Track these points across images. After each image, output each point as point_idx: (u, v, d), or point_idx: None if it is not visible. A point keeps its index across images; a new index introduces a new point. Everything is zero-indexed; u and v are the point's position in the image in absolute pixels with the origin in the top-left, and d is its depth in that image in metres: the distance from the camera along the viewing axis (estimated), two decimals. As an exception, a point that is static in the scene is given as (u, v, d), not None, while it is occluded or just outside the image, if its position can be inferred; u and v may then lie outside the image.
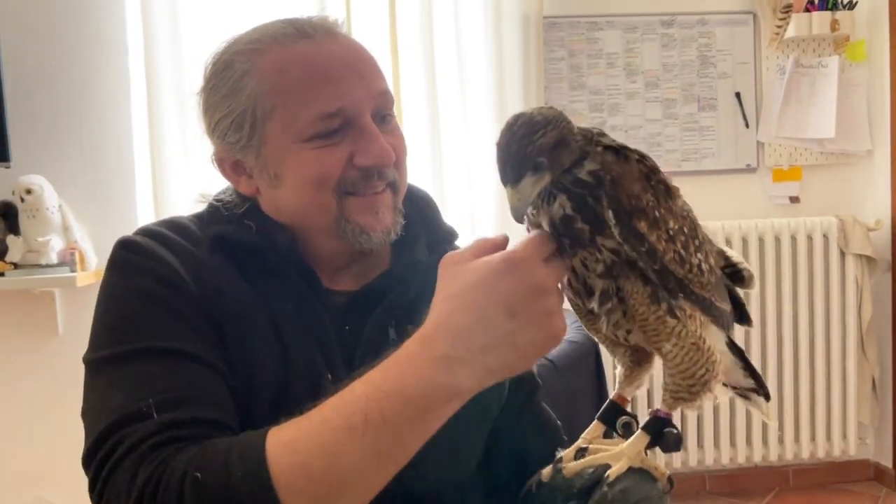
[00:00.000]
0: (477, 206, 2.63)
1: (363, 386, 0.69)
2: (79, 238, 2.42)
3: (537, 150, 0.67)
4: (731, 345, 0.82)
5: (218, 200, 0.92)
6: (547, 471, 0.81)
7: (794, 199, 2.86)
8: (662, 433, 0.77)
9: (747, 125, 2.81)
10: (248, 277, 0.86)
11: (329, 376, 0.83)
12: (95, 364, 0.80)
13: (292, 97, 0.84)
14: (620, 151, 0.71)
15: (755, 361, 2.71)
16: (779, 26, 2.76)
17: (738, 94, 2.81)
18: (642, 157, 0.72)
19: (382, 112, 0.88)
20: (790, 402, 2.78)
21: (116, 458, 0.72)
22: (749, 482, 2.86)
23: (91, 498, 0.75)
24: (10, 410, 2.49)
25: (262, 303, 0.84)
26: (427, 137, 2.60)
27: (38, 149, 2.46)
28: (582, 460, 0.78)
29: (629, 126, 2.77)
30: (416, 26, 2.58)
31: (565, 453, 0.80)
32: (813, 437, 2.81)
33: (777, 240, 2.74)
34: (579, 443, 0.80)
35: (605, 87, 2.76)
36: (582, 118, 2.74)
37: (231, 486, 0.68)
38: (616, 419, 0.81)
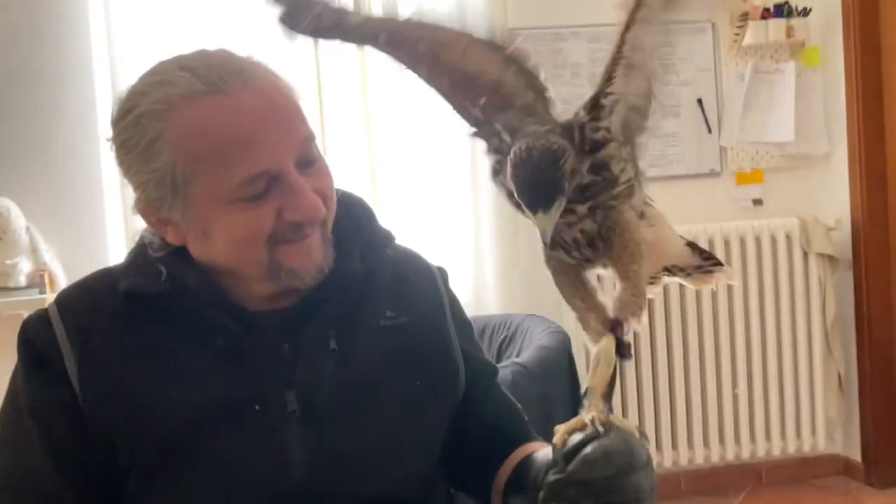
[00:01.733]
0: (450, 219, 2.66)
1: None
2: (48, 260, 2.41)
3: (564, 177, 0.74)
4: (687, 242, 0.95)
5: (143, 238, 0.92)
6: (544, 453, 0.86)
7: (758, 202, 2.92)
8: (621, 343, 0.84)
9: (710, 130, 2.88)
10: (160, 326, 0.87)
11: (257, 407, 0.85)
12: None
13: (213, 163, 0.81)
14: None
15: (726, 361, 2.78)
16: (736, 34, 2.83)
17: (699, 101, 2.87)
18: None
19: (307, 158, 0.86)
20: (760, 401, 2.84)
21: None
22: (723, 480, 2.91)
23: None
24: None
25: (172, 350, 0.86)
26: (394, 145, 2.63)
27: (5, 171, 2.44)
28: (563, 426, 0.82)
29: (595, 134, 2.82)
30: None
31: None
32: (783, 434, 2.87)
33: (742, 241, 2.80)
34: (572, 423, 0.83)
35: (571, 97, 2.73)
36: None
37: None
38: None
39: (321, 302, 0.90)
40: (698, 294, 2.76)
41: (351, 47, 0.87)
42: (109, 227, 2.46)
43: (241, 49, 0.87)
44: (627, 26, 0.83)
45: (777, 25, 2.80)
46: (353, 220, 0.96)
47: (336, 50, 2.62)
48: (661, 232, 0.90)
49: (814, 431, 2.87)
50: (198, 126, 0.81)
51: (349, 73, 2.66)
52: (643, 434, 0.82)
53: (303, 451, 0.86)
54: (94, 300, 0.90)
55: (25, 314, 2.45)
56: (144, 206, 0.87)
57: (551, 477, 0.77)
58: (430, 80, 0.87)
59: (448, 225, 2.67)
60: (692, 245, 0.95)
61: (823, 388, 2.86)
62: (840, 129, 2.88)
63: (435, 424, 0.95)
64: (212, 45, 0.88)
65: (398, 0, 2.61)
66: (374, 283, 0.95)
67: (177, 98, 0.81)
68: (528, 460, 0.92)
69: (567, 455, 0.77)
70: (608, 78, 0.82)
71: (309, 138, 0.86)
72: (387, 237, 1.00)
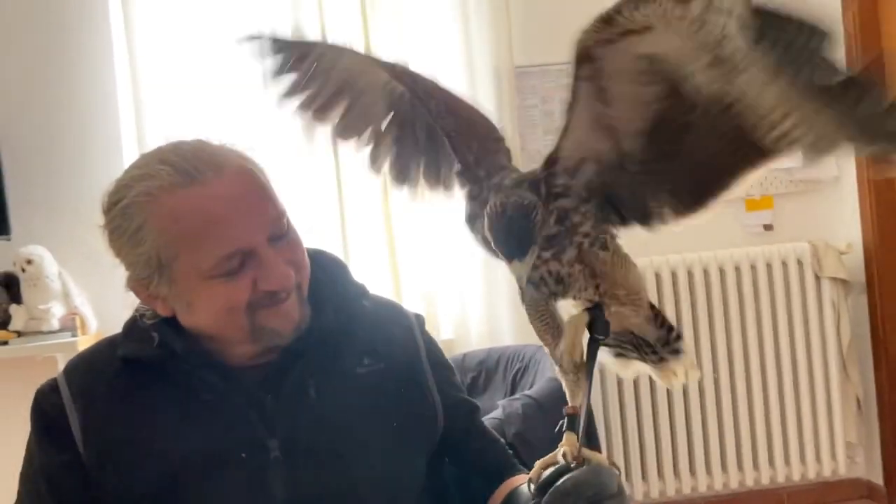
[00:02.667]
0: (462, 254, 2.73)
1: None
2: (79, 303, 2.52)
3: (535, 228, 0.81)
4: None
5: (144, 306, 1.01)
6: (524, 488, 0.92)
7: (768, 227, 2.95)
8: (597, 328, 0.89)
9: (717, 159, 2.91)
10: (154, 388, 0.97)
11: (243, 454, 0.94)
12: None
13: (191, 245, 0.91)
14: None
15: (741, 387, 2.79)
16: (740, 64, 2.88)
17: (706, 130, 2.91)
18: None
19: (279, 233, 0.95)
20: (777, 425, 2.84)
21: None
22: (744, 507, 2.91)
23: None
24: (16, 471, 2.55)
25: (165, 409, 0.96)
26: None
27: (37, 219, 2.56)
28: (540, 461, 0.89)
29: (603, 166, 2.87)
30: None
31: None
32: (803, 459, 2.86)
33: (753, 267, 2.83)
34: (547, 458, 0.89)
35: (579, 131, 2.86)
36: (557, 161, 2.84)
37: None
38: (575, 428, 0.90)
39: (299, 355, 0.99)
40: (712, 321, 2.79)
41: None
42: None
43: (215, 137, 0.97)
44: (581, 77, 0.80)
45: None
46: (327, 276, 1.05)
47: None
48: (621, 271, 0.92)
49: (834, 455, 2.86)
50: (176, 214, 0.90)
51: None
52: (614, 465, 0.88)
53: (285, 494, 0.95)
54: (95, 367, 1.01)
55: (59, 356, 2.56)
56: (135, 284, 0.96)
57: None
58: (438, 116, 0.95)
59: (460, 257, 2.74)
60: (653, 309, 0.96)
61: (842, 411, 2.86)
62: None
63: (413, 464, 1.03)
64: (230, 98, 0.98)
65: (404, 36, 2.70)
66: (350, 332, 1.03)
67: (157, 190, 0.91)
68: (514, 493, 0.99)
69: (541, 488, 0.84)
70: (562, 134, 0.85)
71: (279, 215, 0.95)
72: (361, 290, 1.09)
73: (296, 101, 1.06)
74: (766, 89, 0.64)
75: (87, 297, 2.56)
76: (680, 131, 0.79)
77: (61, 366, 2.72)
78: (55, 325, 2.46)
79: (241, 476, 0.94)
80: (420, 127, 1.03)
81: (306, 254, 0.99)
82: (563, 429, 0.90)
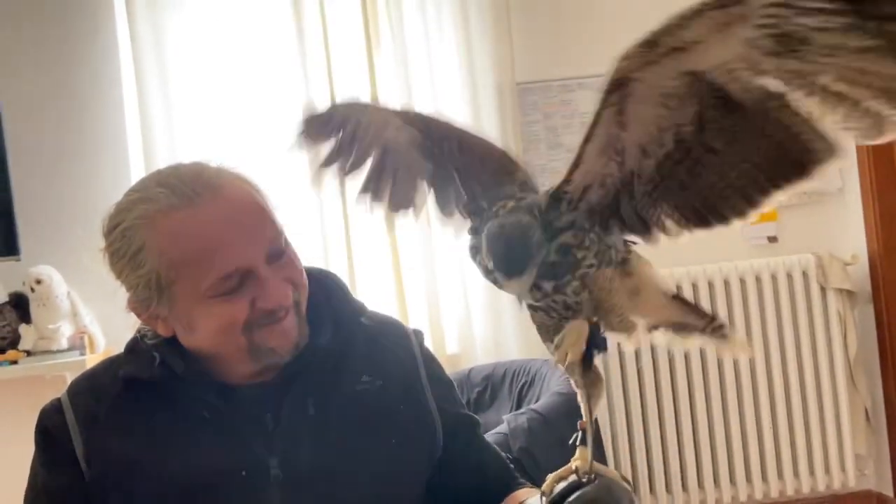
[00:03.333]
0: (466, 268, 2.74)
1: None
2: (87, 322, 2.54)
3: (533, 247, 0.81)
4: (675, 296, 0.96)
5: (145, 326, 1.03)
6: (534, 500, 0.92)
7: (773, 239, 2.96)
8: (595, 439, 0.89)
9: (720, 172, 2.92)
10: (154, 408, 0.98)
11: (244, 473, 0.95)
12: None
13: (189, 268, 0.92)
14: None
15: (748, 400, 2.78)
16: (742, 77, 2.90)
17: (708, 143, 2.93)
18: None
19: (276, 251, 0.97)
20: (785, 438, 2.83)
21: None
22: (754, 519, 2.90)
23: None
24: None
25: (165, 429, 0.97)
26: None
27: (45, 240, 2.59)
28: (552, 474, 0.89)
29: (607, 180, 2.89)
30: (396, 97, 2.73)
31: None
32: (812, 471, 2.85)
33: (758, 279, 2.83)
34: (559, 472, 0.89)
35: (582, 145, 2.88)
36: (560, 175, 2.85)
37: None
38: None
39: (298, 374, 1.00)
40: (717, 333, 2.78)
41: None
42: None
43: (213, 159, 0.99)
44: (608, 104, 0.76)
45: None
46: (325, 294, 1.07)
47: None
48: (642, 281, 0.92)
49: (843, 467, 2.85)
50: (174, 237, 0.92)
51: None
52: (626, 480, 0.89)
53: None
54: (98, 387, 1.02)
55: (68, 375, 2.59)
56: (136, 306, 0.98)
57: None
58: (450, 155, 0.97)
59: (466, 271, 2.75)
60: (683, 300, 0.98)
61: (851, 423, 2.85)
62: (852, 165, 2.91)
63: (412, 480, 1.04)
64: (239, 116, 1.00)
65: (407, 55, 2.73)
66: (349, 350, 1.05)
67: (155, 213, 0.93)
68: None
69: (553, 502, 0.84)
70: (574, 166, 0.84)
71: (277, 234, 0.97)
72: (359, 308, 1.10)
73: (336, 169, 1.05)
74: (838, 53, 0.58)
75: (95, 316, 2.59)
76: (698, 154, 0.77)
77: (70, 384, 2.74)
78: (64, 344, 2.48)
79: (241, 495, 0.95)
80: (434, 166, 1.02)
81: (304, 272, 1.01)
82: (577, 443, 0.90)
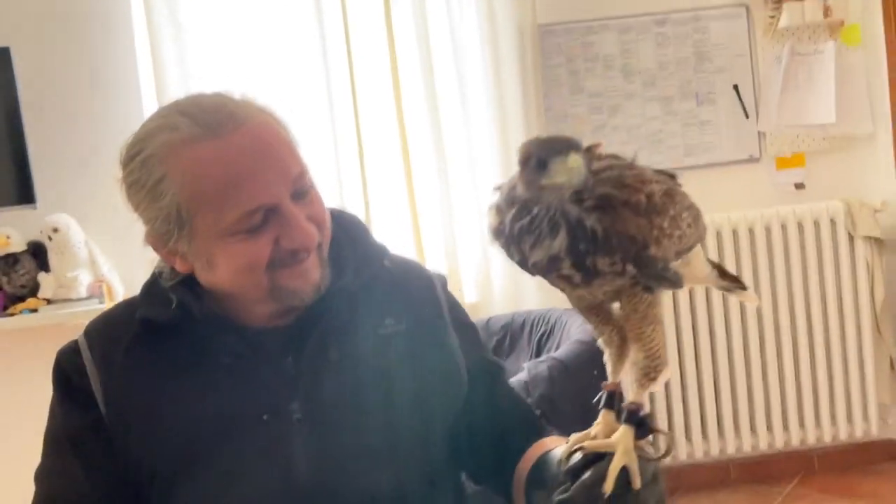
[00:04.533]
0: (485, 216, 2.70)
1: None
2: (105, 271, 2.54)
3: (575, 142, 0.74)
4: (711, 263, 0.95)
5: (162, 265, 1.00)
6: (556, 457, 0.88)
7: (800, 186, 2.88)
8: (641, 423, 0.83)
9: (747, 116, 2.85)
10: (173, 351, 0.96)
11: (265, 417, 0.93)
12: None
13: (213, 202, 0.88)
14: (607, 206, 0.76)
15: (771, 349, 2.75)
16: (772, 16, 2.79)
17: (735, 87, 2.84)
18: (625, 194, 0.77)
19: (301, 190, 0.92)
20: (808, 386, 2.80)
21: None
22: (774, 468, 2.89)
23: None
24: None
25: (183, 372, 0.95)
26: (430, 148, 2.68)
27: (62, 188, 2.58)
28: (574, 436, 0.85)
29: (629, 126, 2.82)
30: (414, 41, 2.66)
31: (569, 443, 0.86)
32: (833, 420, 2.83)
33: (784, 227, 2.77)
34: (579, 436, 0.86)
35: (604, 90, 2.81)
36: (583, 121, 2.80)
37: None
38: (615, 406, 0.86)
39: (320, 316, 0.97)
40: (741, 281, 2.74)
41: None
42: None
43: (235, 90, 0.94)
44: None
45: (814, 5, 2.75)
46: (347, 236, 1.03)
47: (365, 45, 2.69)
48: (691, 259, 0.89)
49: (866, 417, 2.82)
50: (198, 168, 0.88)
51: (381, 75, 2.71)
52: (661, 433, 0.86)
53: (307, 455, 0.93)
54: (115, 329, 1.00)
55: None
56: (154, 240, 0.94)
57: (557, 497, 0.81)
58: None
59: (484, 222, 2.70)
60: (720, 269, 0.96)
61: (875, 372, 2.81)
62: (884, 109, 2.81)
63: (436, 425, 1.01)
64: (253, 61, 0.95)
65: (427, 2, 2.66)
66: (371, 293, 1.01)
67: (178, 142, 0.88)
68: (545, 457, 0.96)
69: (570, 473, 0.81)
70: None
71: (302, 172, 0.93)
72: (381, 250, 1.06)
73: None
74: None
75: (114, 265, 2.58)
76: None
77: (90, 333, 2.76)
78: (83, 292, 2.48)
79: (262, 439, 0.93)
80: None
81: (328, 213, 0.97)
82: (601, 406, 0.87)
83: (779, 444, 2.83)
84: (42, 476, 0.99)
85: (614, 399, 0.86)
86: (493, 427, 1.05)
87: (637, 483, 0.79)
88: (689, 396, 2.78)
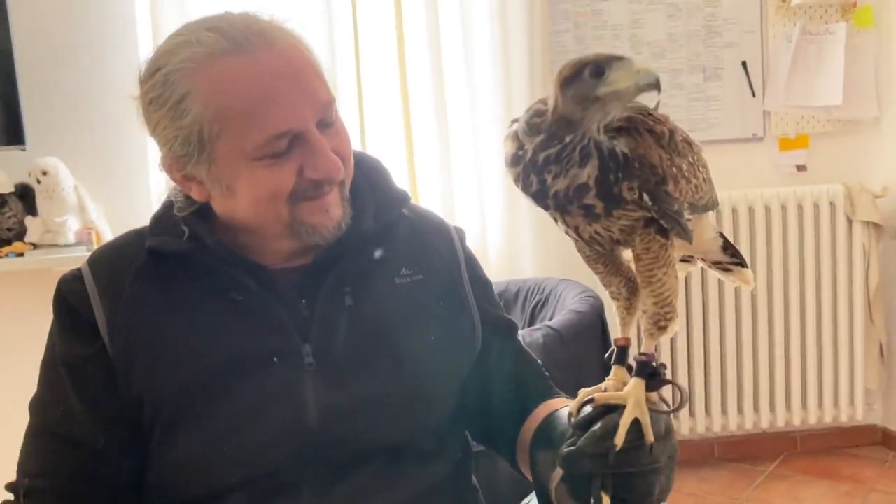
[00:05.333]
0: (484, 184, 2.66)
1: None
2: (95, 218, 2.48)
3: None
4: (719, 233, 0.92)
5: (170, 198, 0.96)
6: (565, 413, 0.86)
7: (801, 168, 2.86)
8: (653, 374, 0.81)
9: (754, 94, 2.81)
10: (182, 283, 0.91)
11: (275, 360, 0.89)
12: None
13: (237, 121, 0.84)
14: (631, 129, 0.74)
15: (763, 329, 2.75)
16: (785, -7, 2.75)
17: (744, 63, 2.80)
18: (649, 122, 0.75)
19: (328, 120, 0.89)
20: (797, 369, 2.81)
21: None
22: (757, 448, 2.91)
23: None
24: (30, 385, 2.56)
25: (195, 305, 0.91)
26: (433, 114, 2.62)
27: (53, 131, 2.51)
28: (584, 390, 0.83)
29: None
30: (422, 6, 2.59)
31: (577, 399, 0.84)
32: (820, 404, 2.84)
33: (783, 208, 2.75)
34: (590, 390, 0.83)
35: (611, 59, 2.75)
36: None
37: None
38: (625, 361, 0.84)
39: (336, 259, 0.93)
40: (737, 261, 2.73)
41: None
42: (153, 185, 2.51)
43: (264, 12, 0.89)
44: None
45: (828, -16, 2.71)
46: (368, 180, 0.99)
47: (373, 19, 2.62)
48: (698, 223, 0.87)
49: (852, 401, 2.84)
50: (225, 84, 0.83)
51: (386, 37, 2.65)
52: (664, 401, 0.81)
53: (317, 401, 0.90)
54: (122, 258, 0.95)
55: (74, 270, 2.53)
56: (171, 163, 0.90)
57: (565, 449, 0.78)
58: None
59: (483, 190, 2.67)
60: (726, 241, 0.94)
61: (864, 357, 2.82)
62: (891, 94, 2.79)
63: (448, 379, 0.98)
64: (236, 8, 0.90)
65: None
66: (389, 241, 0.98)
67: (204, 57, 0.84)
68: (553, 416, 0.93)
69: (579, 426, 0.79)
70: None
71: (330, 101, 0.89)
72: (402, 197, 1.02)
73: None
74: None
75: (103, 212, 2.52)
76: None
77: (77, 280, 2.70)
78: (71, 238, 2.43)
79: (272, 382, 0.89)
80: None
81: (352, 148, 0.93)
82: (612, 361, 0.84)
83: (764, 424, 2.84)
84: (37, 405, 0.96)
85: (625, 354, 0.84)
86: (502, 385, 1.02)
87: (650, 436, 0.76)
88: (677, 373, 2.78)
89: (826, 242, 2.76)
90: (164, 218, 0.95)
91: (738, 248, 0.97)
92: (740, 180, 2.79)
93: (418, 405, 0.94)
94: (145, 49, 2.47)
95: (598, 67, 0.70)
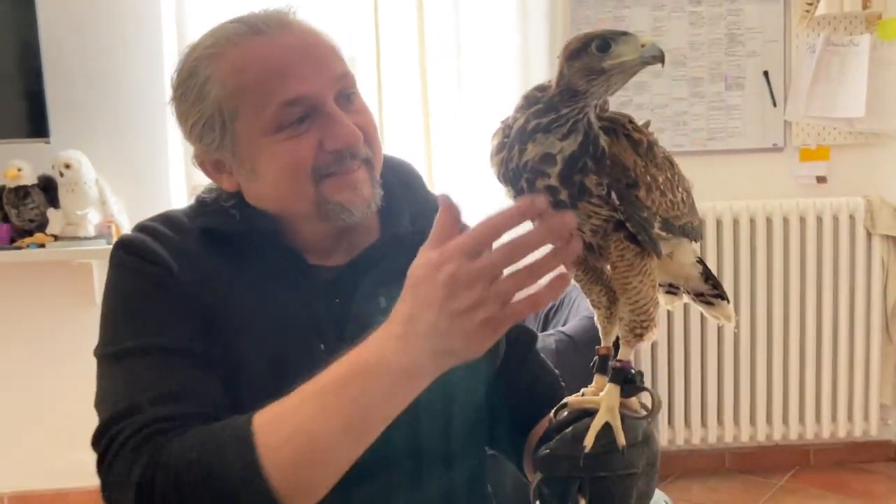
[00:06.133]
0: (502, 188, 2.66)
1: (338, 365, 0.75)
2: (115, 212, 2.51)
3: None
4: (699, 259, 0.90)
5: (208, 192, 0.97)
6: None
7: (821, 179, 2.84)
8: (629, 379, 0.81)
9: (775, 104, 2.79)
10: (234, 264, 0.91)
11: (322, 346, 0.89)
12: (101, 359, 0.89)
13: (253, 95, 0.87)
14: (610, 129, 0.75)
15: (778, 341, 2.73)
16: (809, 3, 2.73)
17: (766, 73, 2.79)
18: (629, 128, 0.76)
19: (346, 92, 0.91)
20: (812, 382, 2.79)
21: (115, 449, 0.79)
22: (769, 460, 2.89)
23: (99, 478, 0.83)
24: (50, 375, 2.61)
25: (249, 285, 0.90)
26: (452, 121, 2.63)
27: (76, 125, 2.54)
28: (568, 398, 0.84)
29: (655, 105, 2.77)
30: (444, 9, 2.60)
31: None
32: (834, 417, 2.82)
33: (802, 220, 2.73)
34: (572, 397, 0.84)
35: (632, 66, 2.75)
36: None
37: (222, 465, 0.74)
38: (606, 370, 0.84)
39: (373, 262, 0.94)
40: (754, 272, 2.72)
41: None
42: (172, 181, 2.54)
43: (289, 8, 0.94)
44: None
45: (853, -4, 2.69)
46: (403, 185, 1.01)
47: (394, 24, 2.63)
48: (677, 245, 0.86)
49: (866, 416, 2.81)
50: (240, 63, 0.87)
51: (407, 42, 2.66)
52: (645, 407, 0.82)
53: None
54: (180, 229, 0.93)
55: (94, 262, 2.58)
56: (202, 156, 0.93)
57: (542, 452, 0.79)
58: None
59: (497, 199, 2.67)
60: (707, 270, 0.92)
61: (880, 372, 2.80)
62: (915, 107, 2.76)
63: (472, 386, 0.98)
64: (260, 3, 0.94)
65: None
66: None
67: (224, 41, 0.89)
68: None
69: (554, 430, 0.80)
70: None
71: (346, 74, 0.91)
72: (435, 202, 1.02)
73: None
74: None
75: (123, 206, 2.56)
76: None
77: (96, 272, 2.76)
78: (91, 231, 2.46)
79: (318, 367, 0.83)
80: None
81: (377, 128, 0.95)
82: (594, 370, 0.85)
83: (776, 436, 2.82)
84: (133, 339, 0.87)
85: (607, 363, 0.84)
86: (521, 394, 1.03)
87: (621, 440, 0.77)
88: (691, 382, 2.77)
89: (845, 255, 2.74)
90: (206, 205, 0.96)
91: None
92: (759, 191, 2.77)
93: (443, 410, 0.94)
94: (169, 46, 2.50)
95: (605, 41, 0.71)
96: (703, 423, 2.81)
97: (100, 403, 0.86)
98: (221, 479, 0.74)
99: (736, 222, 2.71)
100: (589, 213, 0.75)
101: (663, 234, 0.78)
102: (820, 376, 2.79)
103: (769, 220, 2.73)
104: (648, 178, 0.75)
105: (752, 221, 2.72)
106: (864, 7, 2.70)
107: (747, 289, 2.73)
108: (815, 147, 2.82)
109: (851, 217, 2.73)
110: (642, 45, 0.71)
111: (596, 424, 0.78)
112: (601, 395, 0.80)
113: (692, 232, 0.84)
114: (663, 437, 2.79)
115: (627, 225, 0.75)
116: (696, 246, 0.90)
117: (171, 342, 0.86)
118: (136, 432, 0.79)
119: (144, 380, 0.83)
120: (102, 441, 0.81)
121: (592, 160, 0.73)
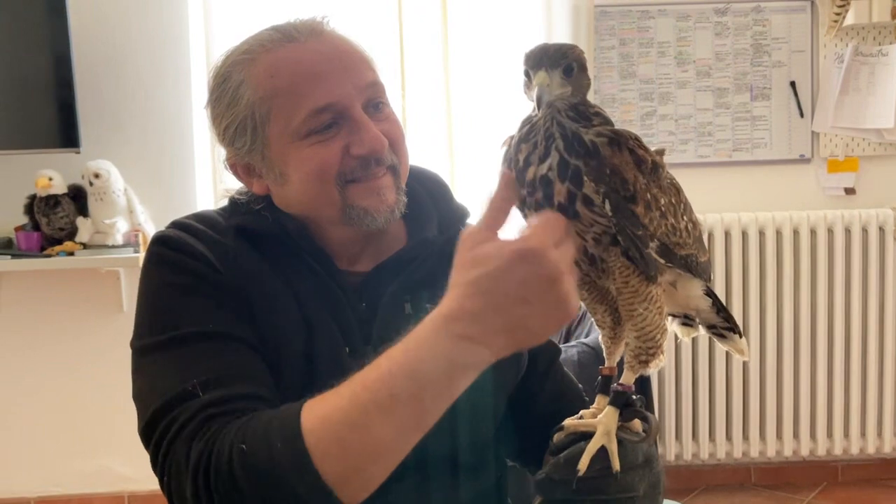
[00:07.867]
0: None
1: (388, 362, 0.74)
2: (142, 221, 2.55)
3: (573, 56, 0.74)
4: (708, 292, 0.89)
5: (240, 194, 0.99)
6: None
7: (850, 191, 2.80)
8: (628, 403, 0.81)
9: (802, 115, 2.77)
10: (267, 262, 0.92)
11: (347, 350, 0.90)
12: (142, 351, 0.88)
13: (284, 100, 0.89)
14: (614, 141, 0.75)
15: (805, 354, 2.69)
16: (837, 13, 2.70)
17: (792, 84, 2.76)
18: (633, 144, 0.76)
19: (374, 101, 0.93)
20: (840, 396, 2.74)
21: (171, 436, 0.79)
22: (795, 475, 2.84)
23: (154, 472, 0.82)
24: (78, 381, 2.64)
25: (280, 284, 0.90)
26: (473, 130, 2.64)
27: (106, 135, 2.59)
28: (568, 420, 0.84)
29: (679, 115, 2.76)
30: (467, 15, 2.61)
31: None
32: (863, 433, 2.77)
33: (830, 232, 2.70)
34: (570, 420, 0.84)
35: (656, 76, 2.75)
36: (632, 107, 2.74)
37: (272, 456, 0.74)
38: (608, 391, 0.84)
39: (400, 267, 0.95)
40: (779, 285, 2.69)
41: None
42: (199, 191, 2.57)
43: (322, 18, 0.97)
44: None
45: (882, 5, 2.65)
46: (430, 194, 1.02)
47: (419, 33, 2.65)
48: (682, 283, 0.85)
49: (896, 432, 2.76)
50: (272, 69, 0.90)
51: (432, 47, 2.68)
52: (647, 432, 0.81)
53: None
54: (216, 227, 0.94)
55: (122, 270, 2.61)
56: (233, 160, 0.95)
57: (538, 475, 0.79)
58: None
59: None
60: (718, 303, 0.91)
61: (910, 388, 2.74)
62: (946, 117, 2.72)
63: (493, 397, 0.98)
64: (287, 12, 0.98)
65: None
66: (450, 254, 0.98)
67: (258, 47, 0.92)
68: None
69: (551, 452, 0.80)
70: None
71: (376, 83, 0.93)
72: (462, 211, 1.03)
73: None
74: None
75: (150, 216, 2.59)
76: None
77: (124, 280, 2.80)
78: (119, 239, 2.50)
79: (343, 370, 0.84)
80: None
81: (404, 137, 0.96)
82: (597, 390, 0.85)
83: (804, 452, 2.78)
84: (191, 328, 0.87)
85: (610, 384, 0.84)
86: (542, 407, 1.03)
87: (616, 464, 0.76)
88: (715, 397, 2.73)
89: (874, 267, 2.70)
90: (238, 207, 0.98)
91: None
92: (786, 202, 2.74)
93: (466, 418, 0.93)
94: (197, 60, 2.54)
95: (526, 72, 0.74)
96: (729, 438, 2.77)
97: (146, 394, 0.85)
98: (273, 469, 0.74)
99: (762, 234, 2.69)
100: (591, 221, 0.74)
101: (661, 260, 0.76)
102: (849, 390, 2.74)
103: (796, 232, 2.69)
104: (649, 196, 0.75)
105: (779, 233, 2.69)
106: (894, 17, 2.67)
107: (773, 301, 2.70)
108: (844, 158, 2.79)
109: (881, 229, 2.69)
110: (541, 83, 0.72)
111: (591, 448, 0.77)
112: (599, 417, 0.80)
113: (696, 267, 0.82)
114: (687, 452, 2.76)
115: (619, 238, 0.74)
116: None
117: (216, 329, 0.86)
118: (190, 419, 0.79)
119: (194, 366, 0.83)
120: (158, 429, 0.81)
121: (581, 157, 0.73)
